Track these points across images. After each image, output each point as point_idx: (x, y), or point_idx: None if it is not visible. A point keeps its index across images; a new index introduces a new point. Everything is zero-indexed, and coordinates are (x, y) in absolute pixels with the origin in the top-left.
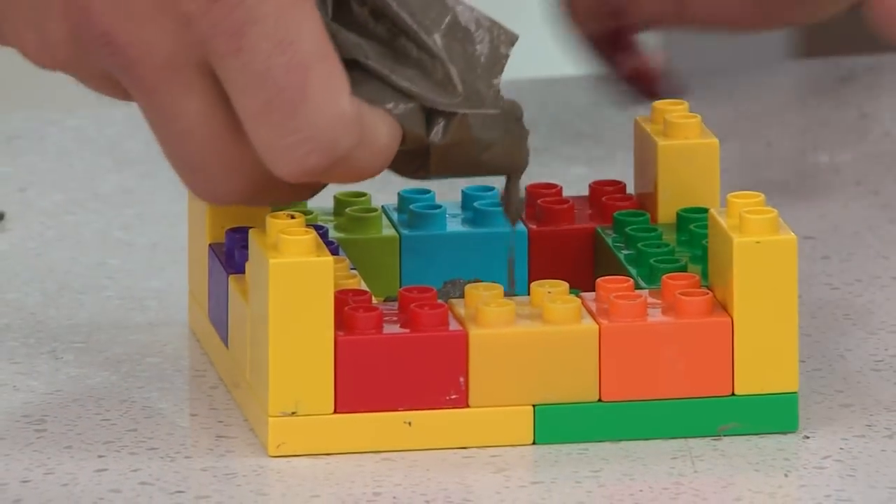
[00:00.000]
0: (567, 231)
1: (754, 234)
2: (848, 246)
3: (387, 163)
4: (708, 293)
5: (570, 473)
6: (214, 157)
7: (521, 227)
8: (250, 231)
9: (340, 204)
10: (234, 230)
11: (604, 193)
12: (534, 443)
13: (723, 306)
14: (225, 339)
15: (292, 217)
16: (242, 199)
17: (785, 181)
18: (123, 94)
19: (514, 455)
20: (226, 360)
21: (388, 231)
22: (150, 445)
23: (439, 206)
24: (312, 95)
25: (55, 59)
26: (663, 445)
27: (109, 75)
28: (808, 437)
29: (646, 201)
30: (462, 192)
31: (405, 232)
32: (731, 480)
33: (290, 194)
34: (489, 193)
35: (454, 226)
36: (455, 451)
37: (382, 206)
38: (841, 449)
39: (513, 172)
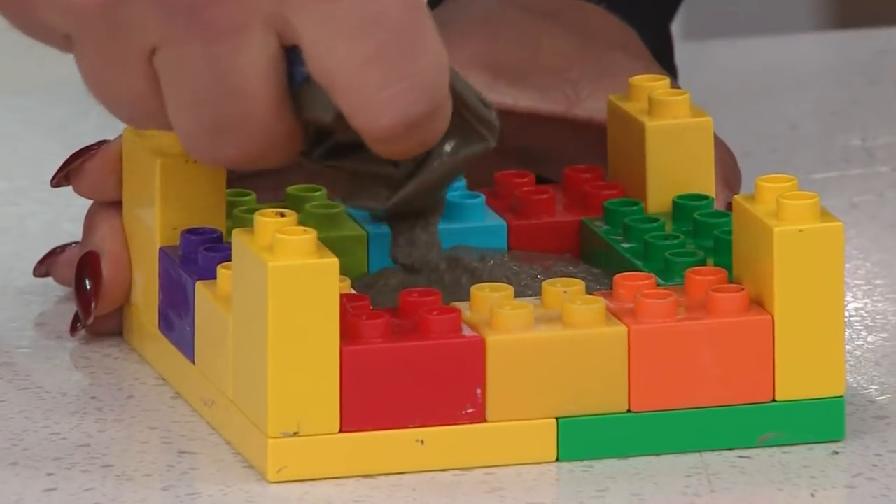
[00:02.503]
0: (550, 224)
1: (795, 221)
2: (884, 240)
3: (438, 139)
4: (743, 289)
5: (573, 493)
6: (256, 116)
7: (498, 220)
8: (235, 231)
9: (296, 199)
10: (190, 231)
11: (581, 181)
12: (557, 460)
13: (758, 303)
14: (188, 353)
15: (282, 215)
16: (251, 162)
17: (811, 167)
18: (65, 44)
19: (508, 474)
20: (190, 376)
21: (353, 228)
22: (105, 462)
23: None
24: (426, 37)
25: None
26: (676, 461)
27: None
28: (836, 453)
29: (631, 189)
30: None
31: (372, 229)
32: (752, 501)
33: (278, 163)
34: (459, 184)
35: None
36: (470, 470)
37: (336, 201)
38: (874, 466)
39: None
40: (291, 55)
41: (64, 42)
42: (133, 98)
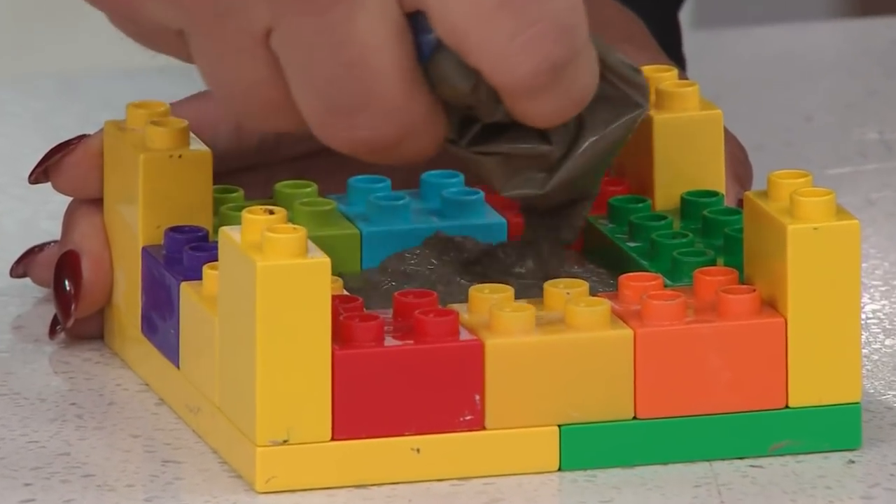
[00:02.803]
0: None
1: (810, 218)
2: None
3: (589, 96)
4: (755, 290)
5: None
6: (384, 91)
7: (498, 217)
8: (221, 229)
9: (286, 196)
10: (174, 230)
11: None
12: (559, 469)
13: (771, 305)
14: (172, 358)
15: (271, 212)
16: (390, 148)
17: (826, 162)
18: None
19: (508, 484)
20: (175, 382)
21: (345, 227)
22: (85, 472)
23: (401, 197)
24: None
25: None
26: (685, 471)
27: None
28: (853, 462)
29: (637, 185)
30: (421, 179)
31: (365, 228)
32: None
33: (421, 152)
34: (454, 180)
35: (420, 219)
36: (468, 480)
37: (327, 198)
38: (892, 475)
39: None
40: (417, 23)
41: (179, 42)
42: (257, 90)
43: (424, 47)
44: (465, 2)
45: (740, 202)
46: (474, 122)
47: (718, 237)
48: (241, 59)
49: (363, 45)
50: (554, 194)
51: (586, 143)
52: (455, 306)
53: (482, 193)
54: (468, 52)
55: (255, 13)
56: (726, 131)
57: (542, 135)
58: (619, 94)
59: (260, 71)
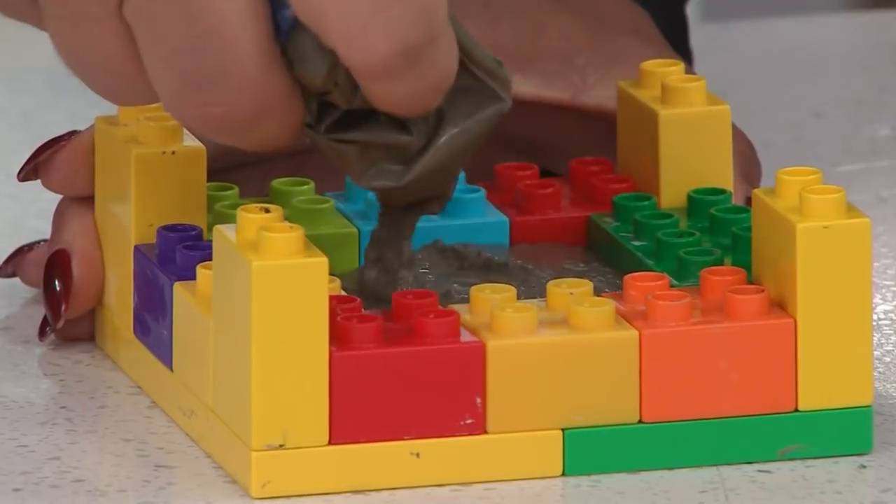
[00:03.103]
0: (555, 220)
1: (820, 217)
2: None
3: (448, 83)
4: (763, 290)
5: None
6: (239, 66)
7: (500, 216)
8: (216, 227)
9: (282, 194)
10: (168, 228)
11: (588, 174)
12: (563, 474)
13: (779, 305)
14: (165, 360)
15: (267, 211)
16: (244, 127)
17: (836, 159)
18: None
19: (510, 490)
20: (168, 384)
21: (343, 225)
22: (76, 477)
23: None
24: None
25: None
26: (691, 476)
27: None
28: (864, 467)
29: (642, 182)
30: None
31: (364, 226)
32: None
33: (277, 134)
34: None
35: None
36: (469, 485)
37: (325, 196)
38: None
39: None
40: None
41: (33, 9)
42: (109, 62)
43: (283, 24)
44: None
45: (748, 200)
46: (333, 108)
47: (726, 236)
48: (94, 30)
49: (218, 16)
50: (411, 188)
51: (446, 135)
52: (456, 307)
53: (483, 191)
54: (324, 31)
55: None
56: (734, 127)
57: (402, 125)
58: (480, 86)
59: (113, 43)
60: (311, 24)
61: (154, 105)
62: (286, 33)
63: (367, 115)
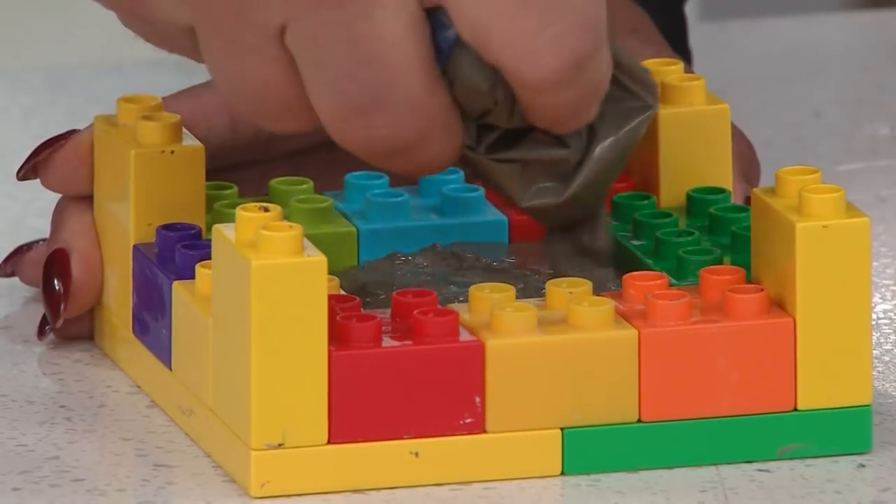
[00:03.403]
0: None
1: (819, 216)
2: None
3: (604, 91)
4: (763, 289)
5: None
6: (403, 87)
7: (499, 215)
8: (215, 227)
9: (281, 193)
10: (166, 227)
11: None
12: (562, 473)
13: (779, 305)
14: (164, 359)
15: (266, 210)
16: (408, 148)
17: (835, 158)
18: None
19: (510, 489)
20: (167, 384)
21: (342, 224)
22: (75, 476)
23: (400, 194)
24: None
25: None
26: (690, 475)
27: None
28: (863, 466)
29: (642, 181)
30: None
31: (362, 225)
32: None
33: (438, 157)
34: (454, 177)
35: (419, 216)
36: (468, 485)
37: (324, 195)
38: None
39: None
40: (436, 20)
41: (189, 40)
42: (268, 87)
43: (443, 44)
44: None
45: (748, 199)
46: (491, 130)
47: (725, 235)
48: (253, 58)
49: (381, 40)
50: (569, 205)
51: (600, 147)
52: (455, 306)
53: (482, 190)
54: (490, 50)
55: (269, 9)
56: (733, 127)
57: (559, 140)
58: (628, 95)
59: (273, 70)
60: (474, 43)
61: (152, 104)
62: (446, 54)
63: (522, 135)
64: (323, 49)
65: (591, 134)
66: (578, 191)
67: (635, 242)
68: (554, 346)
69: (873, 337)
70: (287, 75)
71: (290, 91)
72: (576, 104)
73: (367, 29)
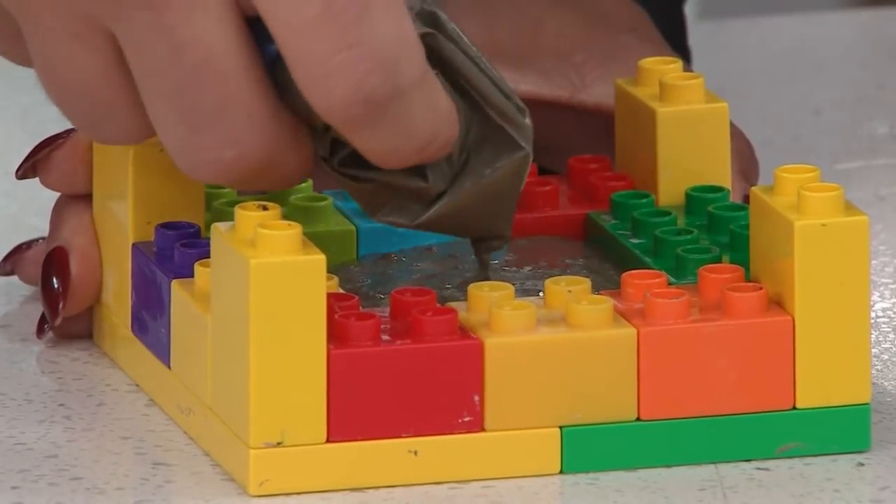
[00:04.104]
0: (553, 218)
1: (818, 214)
2: None
3: (447, 145)
4: (762, 288)
5: None
6: (237, 98)
7: None
8: (214, 225)
9: (280, 192)
10: (165, 226)
11: (586, 172)
12: (561, 471)
13: (777, 303)
14: (163, 357)
15: (265, 208)
16: (256, 170)
17: (835, 157)
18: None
19: (509, 488)
20: (166, 382)
21: (341, 223)
22: (74, 475)
23: None
24: (375, 6)
25: None
26: (689, 474)
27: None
28: (862, 464)
29: (640, 180)
30: None
31: (361, 224)
32: None
33: (291, 172)
34: None
35: None
36: (467, 483)
37: (323, 193)
38: None
39: (497, 240)
40: (259, 32)
41: (19, 48)
42: (90, 84)
43: (266, 57)
44: (289, 9)
45: (746, 198)
46: (345, 144)
47: (724, 234)
48: (74, 46)
49: (206, 47)
50: (425, 229)
51: (466, 183)
52: (454, 305)
53: None
54: (291, 67)
55: (95, 3)
56: (732, 126)
57: (419, 169)
58: (499, 133)
59: (95, 62)
60: (284, 58)
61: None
62: (272, 68)
63: None
64: (150, 55)
65: (464, 166)
66: (432, 220)
67: (634, 241)
68: (553, 344)
69: (872, 335)
70: (112, 72)
71: (116, 91)
72: (388, 151)
73: (191, 34)
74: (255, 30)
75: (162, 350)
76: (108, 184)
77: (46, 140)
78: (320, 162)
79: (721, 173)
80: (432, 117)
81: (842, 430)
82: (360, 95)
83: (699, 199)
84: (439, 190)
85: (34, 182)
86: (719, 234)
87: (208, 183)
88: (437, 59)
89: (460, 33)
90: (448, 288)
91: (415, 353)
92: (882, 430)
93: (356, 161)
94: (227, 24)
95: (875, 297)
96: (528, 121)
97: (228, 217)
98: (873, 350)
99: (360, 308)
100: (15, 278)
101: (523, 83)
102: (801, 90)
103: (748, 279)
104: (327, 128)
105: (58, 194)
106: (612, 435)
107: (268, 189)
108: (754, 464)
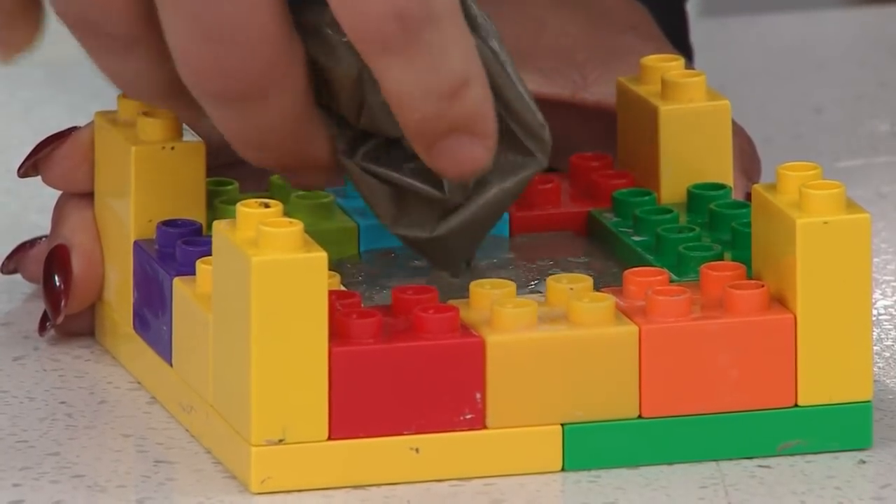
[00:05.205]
0: (555, 215)
1: (819, 212)
2: None
3: (477, 103)
4: (763, 285)
5: None
6: (257, 20)
7: None
8: (215, 223)
9: (282, 189)
10: (167, 223)
11: (589, 169)
12: (563, 469)
13: (779, 301)
14: (165, 355)
15: (266, 206)
16: (251, 91)
17: (836, 155)
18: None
19: (510, 485)
20: (168, 380)
21: (343, 220)
22: (75, 472)
23: None
24: None
25: None
26: (691, 471)
27: None
28: (863, 462)
29: (642, 177)
30: None
31: (363, 221)
32: None
33: (314, 152)
34: None
35: None
36: (468, 481)
37: (325, 191)
38: None
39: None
40: None
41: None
42: (115, 12)
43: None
44: None
45: (748, 195)
46: (369, 138)
47: (726, 231)
48: None
49: None
50: (439, 242)
51: (485, 195)
52: (455, 302)
53: None
54: None
55: None
56: (734, 123)
57: (437, 182)
58: (518, 144)
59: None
60: None
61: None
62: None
63: (405, 160)
64: None
65: (477, 180)
66: (450, 233)
67: (636, 238)
68: (554, 342)
69: (874, 333)
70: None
71: (141, 22)
72: (417, 84)
73: None
74: None
75: (163, 348)
76: (110, 181)
77: (48, 138)
78: (341, 158)
79: (723, 171)
80: (464, 58)
81: (843, 428)
82: (395, 10)
83: (701, 197)
84: (454, 203)
85: (36, 180)
86: (721, 231)
87: (212, 105)
88: None
89: (499, 44)
90: (449, 285)
91: (416, 351)
92: (883, 428)
93: (376, 155)
94: None
95: (877, 294)
96: (548, 136)
97: (230, 215)
98: (875, 347)
99: (362, 305)
100: (16, 276)
101: (525, 82)
102: (802, 88)
103: (750, 277)
104: (348, 123)
105: (59, 192)
106: (613, 432)
107: (296, 179)
108: (756, 461)
